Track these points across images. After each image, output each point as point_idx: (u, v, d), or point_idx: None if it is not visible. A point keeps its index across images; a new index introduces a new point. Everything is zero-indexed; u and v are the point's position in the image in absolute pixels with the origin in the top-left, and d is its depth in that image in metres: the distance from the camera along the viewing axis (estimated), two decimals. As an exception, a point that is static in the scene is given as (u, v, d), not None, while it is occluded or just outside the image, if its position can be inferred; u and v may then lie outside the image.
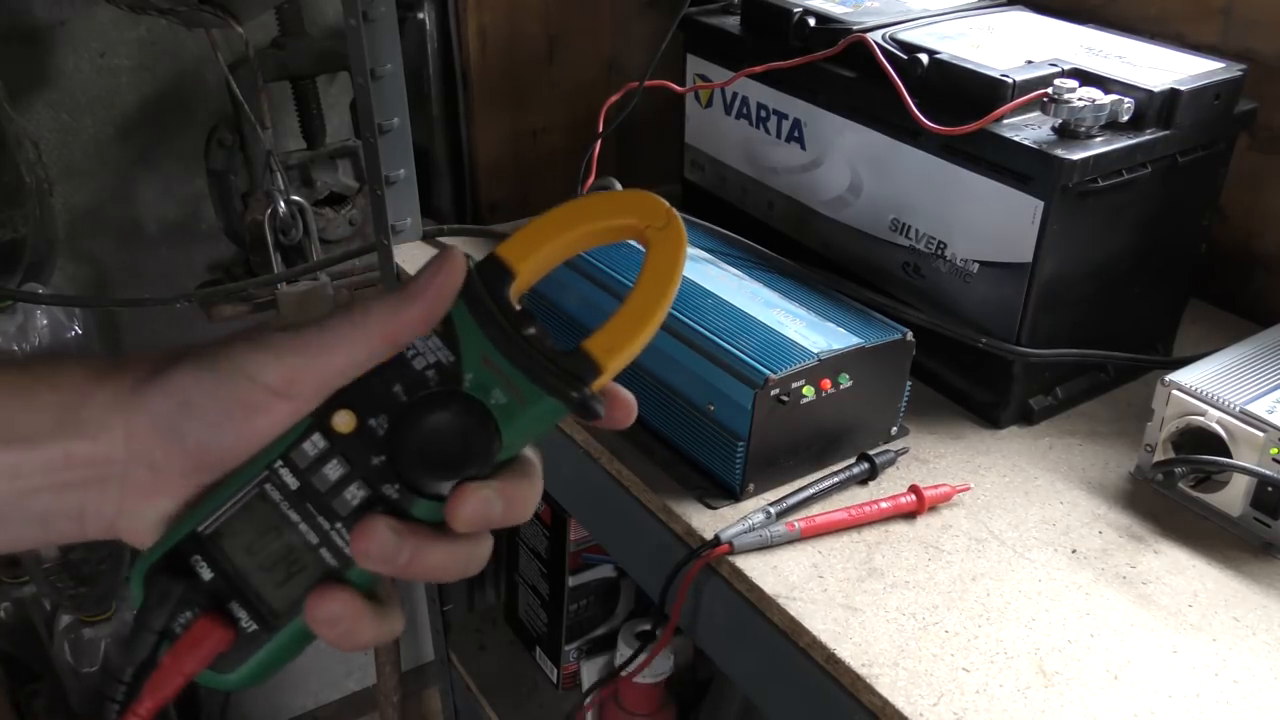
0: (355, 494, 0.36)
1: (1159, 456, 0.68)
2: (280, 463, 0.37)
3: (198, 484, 0.38)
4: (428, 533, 0.37)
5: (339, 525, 0.36)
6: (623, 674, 1.05)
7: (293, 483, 0.36)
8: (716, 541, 0.64)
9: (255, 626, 0.36)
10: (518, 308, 0.37)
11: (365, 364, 0.37)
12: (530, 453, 0.39)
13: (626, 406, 0.40)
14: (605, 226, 0.38)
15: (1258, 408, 0.64)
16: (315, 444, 0.37)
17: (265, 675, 0.37)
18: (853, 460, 0.71)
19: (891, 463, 0.71)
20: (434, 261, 0.37)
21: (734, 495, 0.68)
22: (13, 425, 0.37)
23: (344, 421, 0.37)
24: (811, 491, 0.68)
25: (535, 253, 0.37)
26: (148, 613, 0.36)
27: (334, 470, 0.36)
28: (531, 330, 0.37)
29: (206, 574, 0.36)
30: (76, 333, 1.16)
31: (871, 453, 0.71)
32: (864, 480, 0.70)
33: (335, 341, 0.37)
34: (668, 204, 0.38)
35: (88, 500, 0.38)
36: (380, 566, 0.36)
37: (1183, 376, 0.67)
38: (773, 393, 0.64)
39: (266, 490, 0.37)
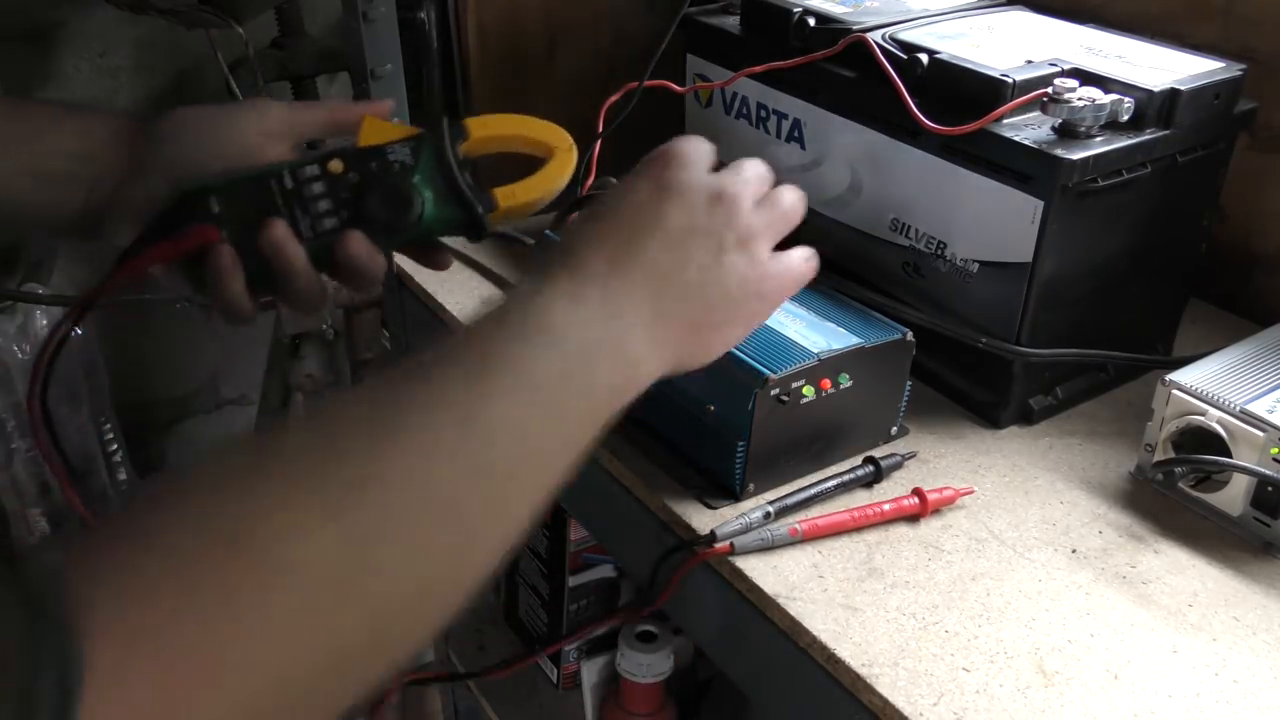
0: (322, 205, 0.56)
1: (1159, 456, 0.68)
2: (287, 172, 0.56)
3: (170, 184, 0.55)
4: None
5: (306, 219, 0.56)
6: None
7: (290, 185, 0.56)
8: (713, 537, 0.64)
9: (229, 248, 0.55)
10: (459, 158, 0.57)
11: (315, 129, 0.61)
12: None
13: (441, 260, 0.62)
14: (533, 137, 0.60)
15: (1258, 407, 0.64)
16: (312, 171, 0.56)
17: None
18: (858, 462, 0.71)
19: (898, 466, 0.71)
20: (359, 102, 0.62)
21: (734, 495, 0.68)
22: (42, 136, 0.57)
23: (335, 166, 0.56)
24: (813, 492, 0.68)
25: (487, 130, 0.59)
26: (175, 212, 0.54)
27: (317, 188, 0.56)
28: (464, 170, 0.58)
29: (215, 208, 0.55)
30: (76, 332, 1.16)
31: (878, 456, 0.71)
32: (868, 483, 0.70)
33: (302, 106, 0.61)
34: (571, 139, 0.60)
35: (86, 199, 0.56)
36: (349, 260, 0.56)
37: (1183, 376, 0.67)
38: (773, 392, 0.64)
39: (270, 183, 0.56)
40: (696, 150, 0.54)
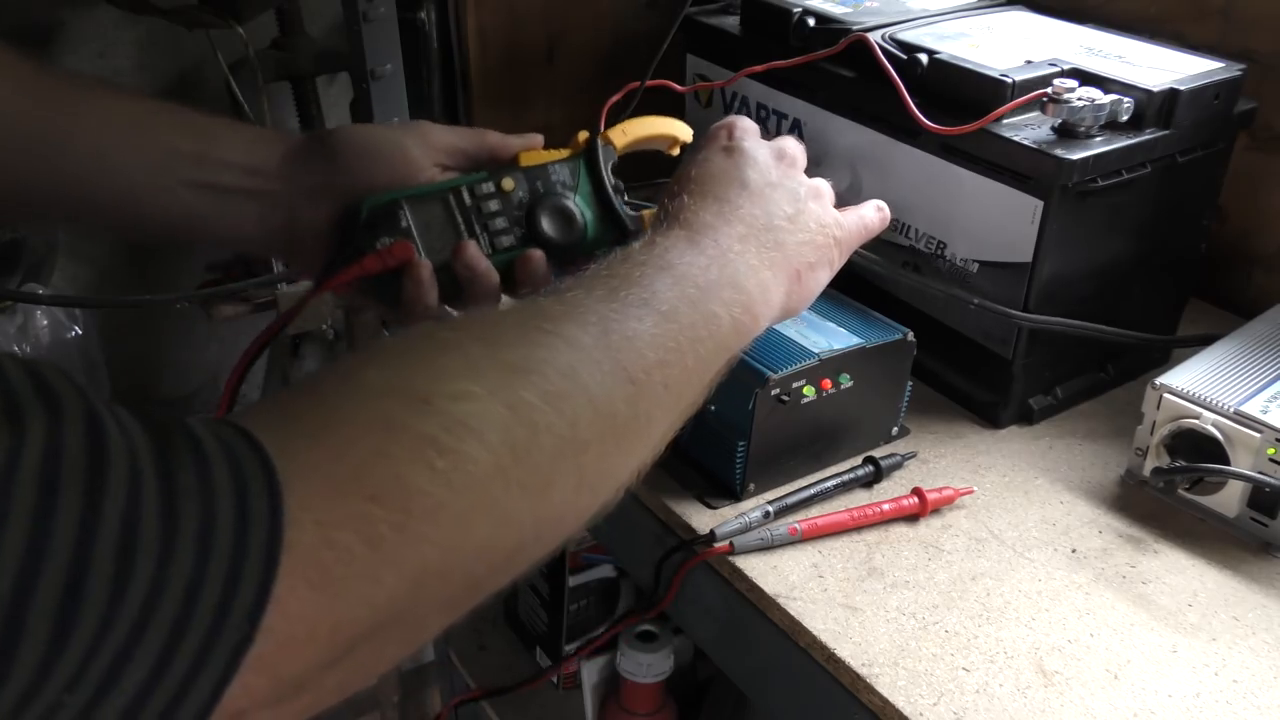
0: (499, 223, 0.59)
1: (1153, 460, 0.68)
2: (464, 188, 0.59)
3: (339, 206, 0.57)
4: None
5: (485, 234, 0.59)
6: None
7: (468, 200, 0.59)
8: (712, 536, 0.64)
9: (428, 263, 0.57)
10: (612, 178, 0.61)
11: (476, 154, 0.61)
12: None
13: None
14: (661, 134, 0.64)
15: (1251, 407, 0.64)
16: (488, 188, 0.59)
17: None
18: (858, 462, 0.71)
19: (898, 466, 0.71)
20: (515, 136, 0.62)
21: (734, 495, 0.68)
22: (213, 149, 0.56)
23: (508, 183, 0.59)
24: (813, 492, 0.68)
25: (624, 140, 0.62)
26: (370, 224, 0.56)
27: (493, 205, 0.59)
28: (619, 193, 0.61)
29: (404, 221, 0.57)
30: (76, 333, 1.16)
31: (878, 456, 0.71)
32: (868, 483, 0.70)
33: (465, 130, 0.61)
34: (690, 129, 0.65)
35: (261, 216, 0.57)
36: (530, 279, 0.59)
37: (1173, 379, 0.67)
38: (773, 392, 0.64)
39: (449, 198, 0.58)
40: (750, 123, 0.61)
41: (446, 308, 0.59)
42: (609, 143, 0.62)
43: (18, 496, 0.26)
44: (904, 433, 0.75)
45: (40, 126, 0.53)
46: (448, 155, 0.60)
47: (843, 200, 0.82)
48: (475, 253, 0.57)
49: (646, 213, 0.61)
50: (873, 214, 0.62)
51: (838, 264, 0.60)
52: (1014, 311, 0.72)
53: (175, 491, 0.29)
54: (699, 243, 0.52)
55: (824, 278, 0.59)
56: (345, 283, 0.55)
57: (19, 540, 0.26)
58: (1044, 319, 0.72)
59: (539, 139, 0.62)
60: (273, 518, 0.30)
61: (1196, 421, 0.65)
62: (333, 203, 0.57)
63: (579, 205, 0.60)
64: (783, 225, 0.56)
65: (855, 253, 0.62)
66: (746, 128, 0.61)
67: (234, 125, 0.59)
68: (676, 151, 0.64)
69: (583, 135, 0.62)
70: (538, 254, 0.59)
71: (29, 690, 0.26)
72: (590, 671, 1.15)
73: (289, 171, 0.57)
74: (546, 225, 0.59)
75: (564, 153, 0.61)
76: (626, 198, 0.62)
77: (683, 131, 0.64)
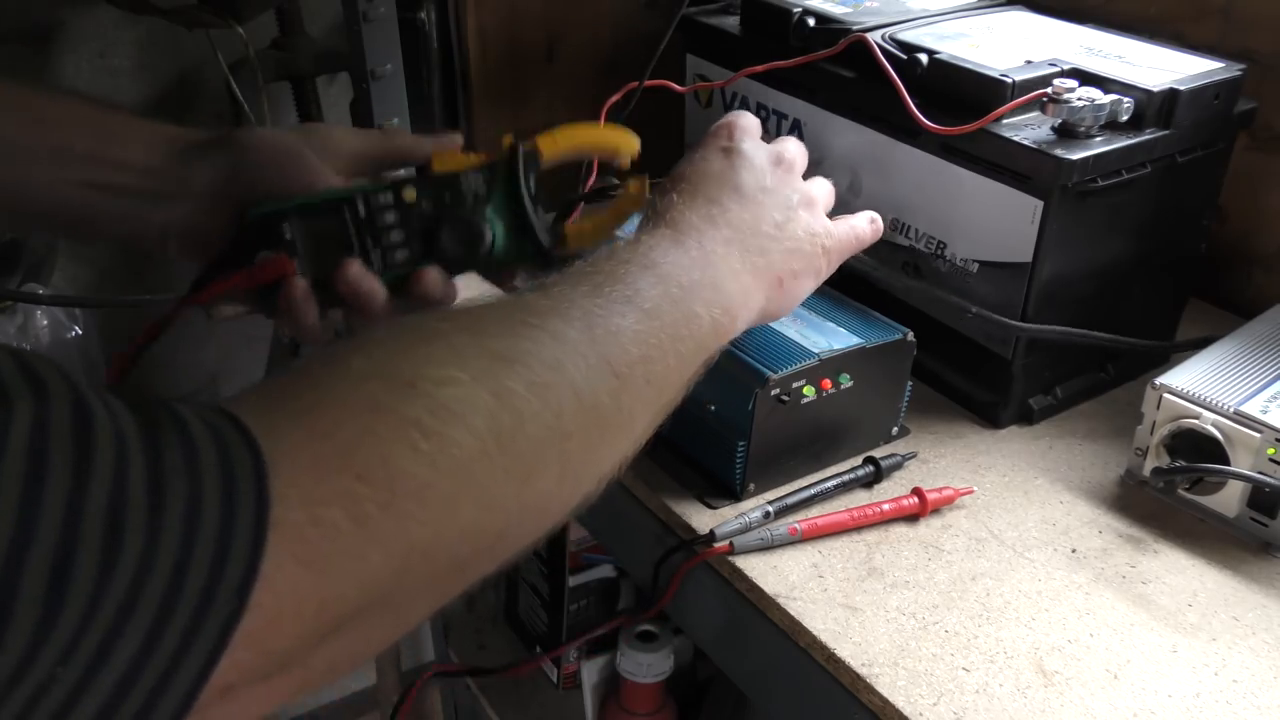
0: (394, 237, 0.55)
1: (1153, 460, 0.68)
2: (360, 199, 0.54)
3: (234, 208, 0.54)
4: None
5: (377, 250, 0.55)
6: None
7: (362, 213, 0.54)
8: (712, 536, 0.64)
9: (303, 281, 0.53)
10: (532, 189, 0.57)
11: (385, 160, 0.60)
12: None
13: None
14: (600, 144, 0.60)
15: (1251, 407, 0.64)
16: (386, 199, 0.55)
17: None
18: (858, 462, 0.71)
19: (898, 467, 0.71)
20: (430, 137, 0.60)
21: (734, 495, 0.68)
22: (110, 148, 0.54)
23: (409, 194, 0.55)
24: (813, 492, 0.68)
25: (555, 148, 0.58)
26: (249, 235, 0.53)
27: (390, 218, 0.55)
28: (538, 203, 0.57)
29: (287, 234, 0.53)
30: (76, 333, 1.16)
31: (878, 456, 0.71)
32: (868, 483, 0.70)
33: (374, 135, 0.60)
34: (636, 143, 0.60)
35: (161, 222, 0.55)
36: (425, 296, 0.56)
37: (1173, 379, 0.67)
38: (773, 392, 0.64)
39: (344, 210, 0.54)
40: (752, 122, 0.61)
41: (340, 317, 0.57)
42: (535, 149, 0.57)
43: (5, 475, 0.27)
44: (904, 433, 0.75)
45: None
46: (352, 162, 0.58)
47: (842, 201, 0.83)
48: (358, 272, 0.54)
49: (571, 227, 0.58)
50: (865, 225, 0.63)
51: (825, 273, 0.61)
52: (1011, 321, 0.72)
53: (162, 471, 0.29)
54: (684, 243, 0.53)
55: (809, 286, 0.60)
56: (214, 295, 0.53)
57: (7, 519, 0.26)
58: (1039, 328, 0.73)
59: (457, 140, 0.60)
60: (259, 496, 0.31)
61: (1196, 421, 0.65)
62: (233, 207, 0.55)
63: (489, 218, 0.56)
64: (770, 232, 0.56)
65: (855, 258, 0.63)
66: (747, 127, 0.60)
67: (133, 123, 0.57)
68: (627, 165, 0.61)
69: (506, 140, 0.58)
70: (431, 273, 0.56)
71: (21, 664, 0.27)
72: (590, 671, 1.15)
73: (186, 174, 0.55)
74: (447, 240, 0.55)
75: (480, 158, 0.57)
76: (551, 212, 0.58)
77: (625, 144, 0.60)
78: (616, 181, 0.61)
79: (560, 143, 0.58)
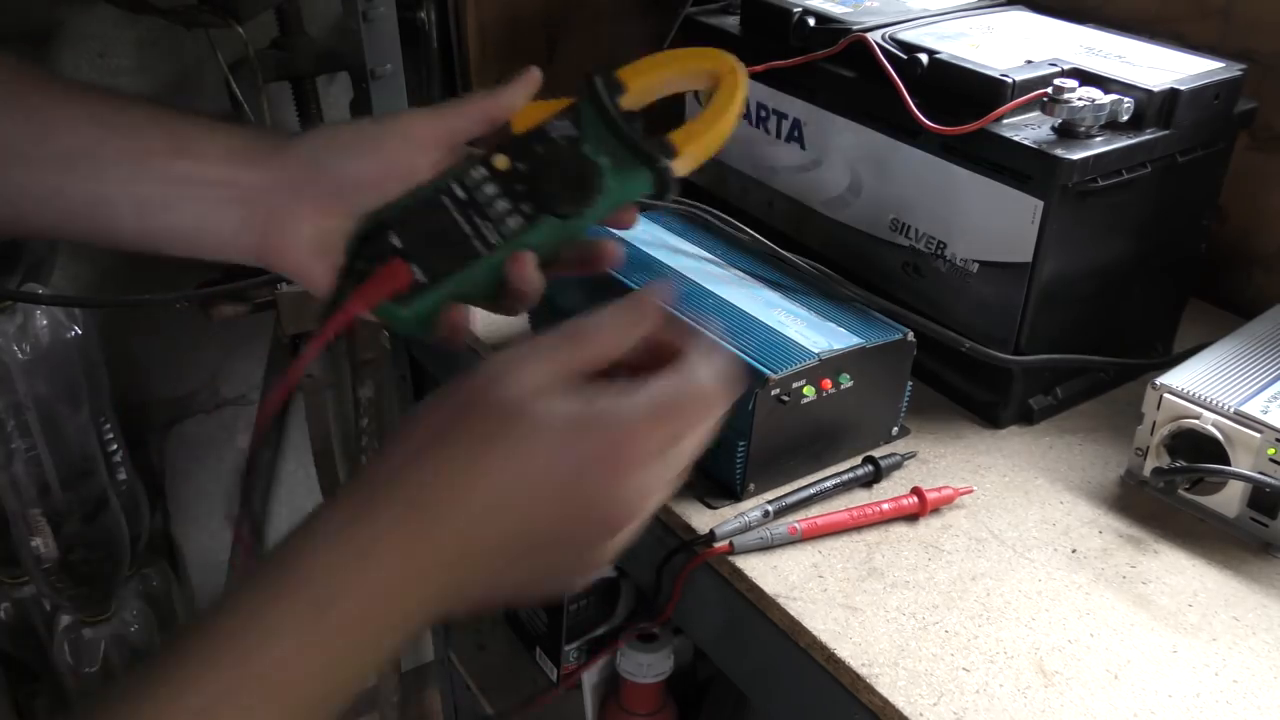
0: (502, 205, 0.51)
1: (1154, 460, 0.68)
2: (454, 182, 0.52)
3: (332, 209, 0.51)
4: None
5: (488, 224, 0.51)
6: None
7: (461, 195, 0.52)
8: (712, 536, 0.64)
9: (425, 280, 0.50)
10: (622, 112, 0.52)
11: (465, 131, 0.53)
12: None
13: (613, 253, 0.54)
14: (693, 67, 0.55)
15: (1251, 407, 0.64)
16: (480, 172, 0.52)
17: (425, 320, 0.51)
18: (857, 462, 0.71)
19: (898, 466, 0.71)
20: (506, 87, 0.54)
21: (734, 495, 0.68)
22: (189, 146, 0.51)
23: (500, 161, 0.52)
24: (813, 491, 0.68)
25: (642, 76, 0.53)
26: (356, 256, 0.50)
27: (490, 189, 0.51)
28: (634, 124, 0.52)
29: (396, 242, 0.51)
30: (76, 333, 1.16)
31: (877, 456, 0.71)
32: (868, 483, 0.70)
33: (449, 108, 0.53)
34: (734, 58, 0.54)
35: (243, 219, 0.51)
36: (514, 268, 0.50)
37: (1173, 379, 0.67)
38: (773, 392, 0.64)
39: (442, 199, 0.52)
40: (599, 342, 0.42)
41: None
42: (615, 77, 0.53)
43: None
44: (904, 433, 0.75)
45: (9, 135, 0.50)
46: (437, 145, 0.53)
47: (843, 201, 0.83)
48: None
49: (678, 134, 0.52)
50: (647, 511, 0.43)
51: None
52: (1004, 355, 0.73)
53: None
54: (361, 567, 0.38)
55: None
56: (346, 321, 0.49)
57: None
58: (1034, 359, 0.73)
59: (534, 76, 0.54)
60: None
61: (1196, 421, 0.65)
62: (314, 212, 0.51)
63: (589, 154, 0.52)
64: (504, 574, 0.41)
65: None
66: (562, 367, 0.41)
67: (213, 127, 0.52)
68: (718, 91, 0.54)
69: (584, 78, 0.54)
70: (526, 256, 0.51)
71: None
72: (590, 671, 1.15)
73: (264, 180, 0.51)
74: (556, 188, 0.51)
75: (559, 103, 0.54)
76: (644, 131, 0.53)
77: (719, 62, 0.54)
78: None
79: (643, 71, 0.54)
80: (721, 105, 0.53)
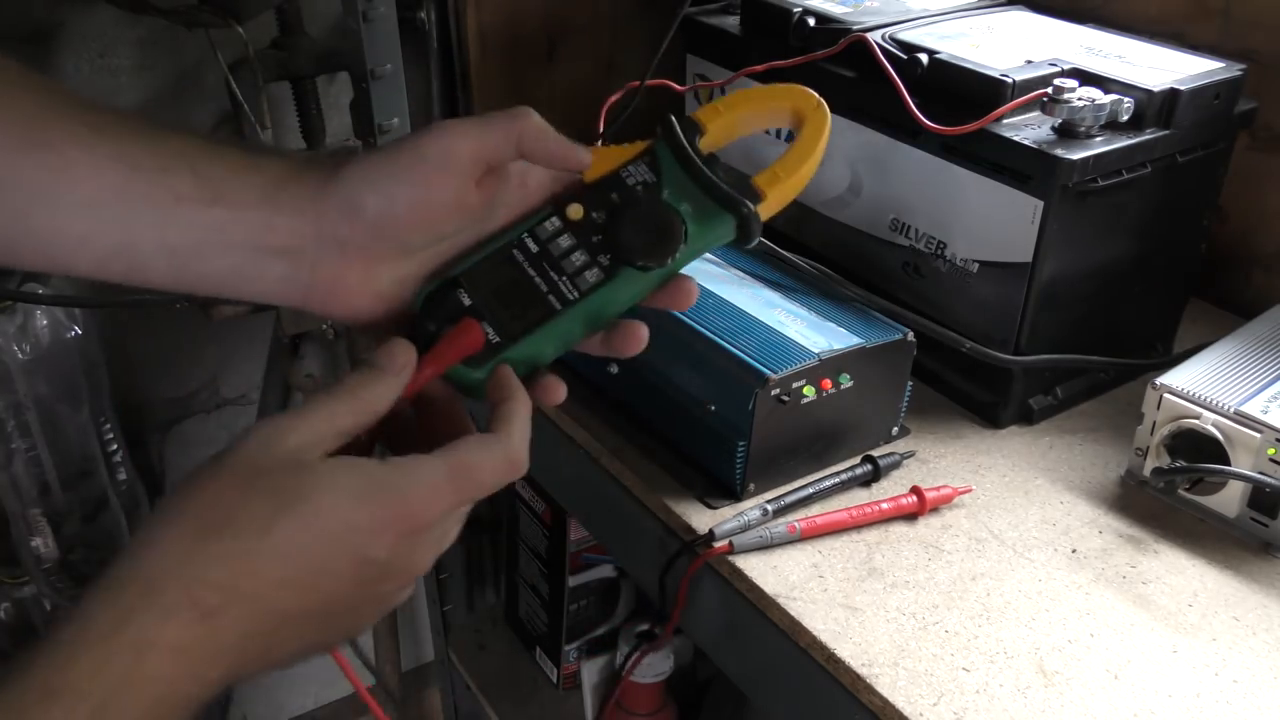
0: (579, 258, 0.48)
1: (1154, 460, 0.68)
2: (526, 235, 0.49)
3: (380, 255, 0.47)
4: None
5: (564, 279, 0.48)
6: (623, 674, 1.05)
7: (534, 248, 0.49)
8: (712, 536, 0.64)
9: (498, 339, 0.48)
10: (703, 156, 0.49)
11: (505, 149, 0.47)
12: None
13: (638, 336, 0.49)
14: (773, 106, 0.52)
15: (1251, 407, 0.64)
16: (553, 224, 0.49)
17: None
18: (856, 461, 0.71)
19: (896, 465, 0.71)
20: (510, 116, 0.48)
21: (734, 495, 0.68)
22: (222, 193, 0.46)
23: (575, 211, 0.49)
24: (812, 491, 0.68)
25: (721, 117, 0.51)
26: (425, 318, 0.48)
27: (565, 242, 0.49)
28: (715, 168, 0.49)
29: (467, 300, 0.48)
30: (76, 333, 1.16)
31: (876, 455, 0.71)
32: (867, 482, 0.70)
33: (486, 127, 0.46)
34: (817, 95, 0.52)
35: (285, 268, 0.47)
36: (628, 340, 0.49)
37: (1173, 379, 0.67)
38: (773, 393, 0.64)
39: (513, 253, 0.49)
40: (362, 399, 0.43)
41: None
42: (693, 119, 0.50)
43: None
44: (904, 433, 0.75)
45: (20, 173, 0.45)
46: (478, 167, 0.47)
47: (842, 201, 0.83)
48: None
49: (761, 177, 0.49)
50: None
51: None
52: (1004, 355, 0.73)
53: None
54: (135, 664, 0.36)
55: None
56: (420, 387, 0.46)
57: None
58: (1034, 359, 0.73)
59: (587, 156, 0.49)
60: None
61: (1196, 421, 0.65)
62: (361, 261, 0.47)
63: (670, 201, 0.49)
64: (286, 650, 0.41)
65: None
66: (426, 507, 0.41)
67: (247, 161, 0.47)
68: (802, 130, 0.51)
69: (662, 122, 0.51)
70: (637, 325, 0.49)
71: None
72: (590, 671, 1.15)
73: (303, 219, 0.47)
74: (636, 237, 0.48)
75: (635, 147, 0.50)
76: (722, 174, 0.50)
77: (802, 100, 0.51)
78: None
79: (721, 112, 0.51)
80: (808, 145, 0.51)
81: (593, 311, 0.48)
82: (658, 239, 0.48)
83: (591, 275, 0.48)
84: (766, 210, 0.49)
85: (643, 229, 0.48)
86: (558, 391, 0.49)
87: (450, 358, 0.47)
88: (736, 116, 0.51)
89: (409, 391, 0.45)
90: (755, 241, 0.49)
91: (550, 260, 0.49)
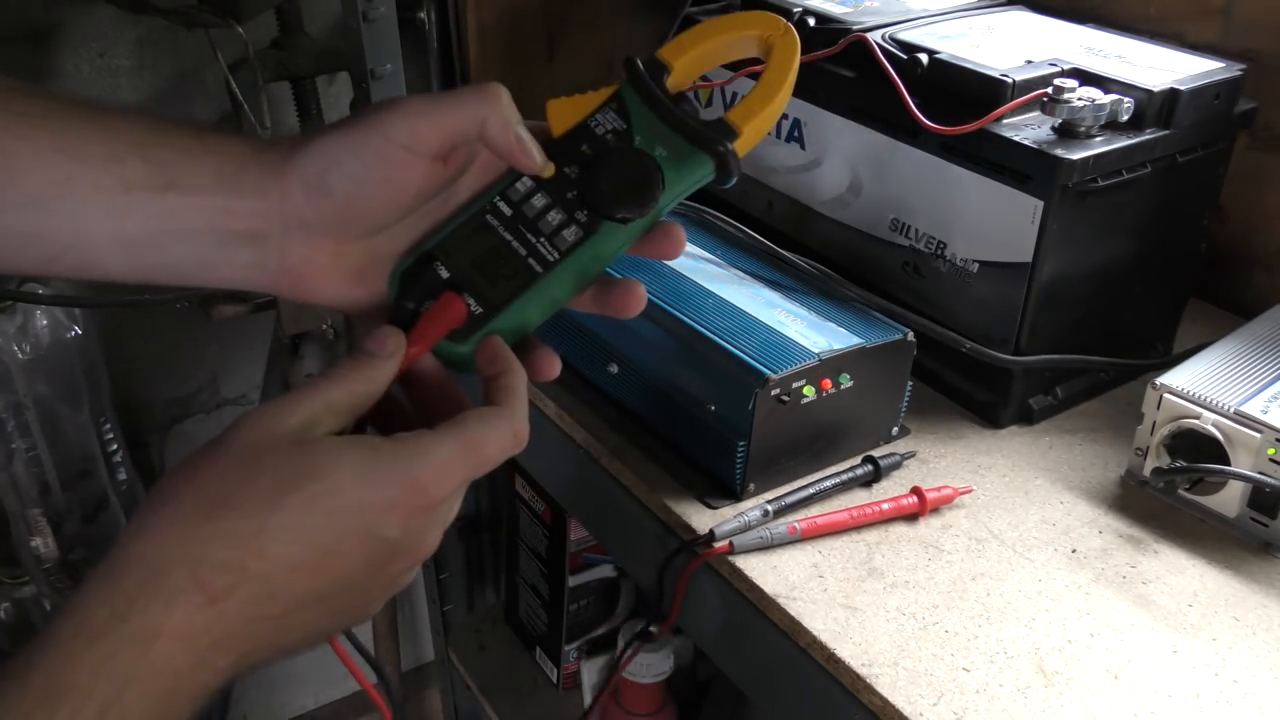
0: (555, 217, 0.47)
1: (1154, 460, 0.68)
2: (499, 199, 0.47)
3: (346, 238, 0.45)
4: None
5: (542, 240, 0.47)
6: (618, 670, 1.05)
7: (508, 211, 0.47)
8: (712, 536, 0.64)
9: (480, 310, 0.46)
10: (672, 96, 0.47)
11: (470, 130, 0.45)
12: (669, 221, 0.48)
13: (637, 294, 0.48)
14: (739, 36, 0.49)
15: (1251, 407, 0.64)
16: (525, 184, 0.47)
17: None
18: (856, 461, 0.71)
19: (897, 466, 0.71)
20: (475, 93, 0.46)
21: (734, 495, 0.68)
22: (176, 179, 0.43)
23: (545, 170, 0.47)
24: (812, 491, 0.68)
25: (686, 53, 0.48)
26: (403, 296, 0.46)
27: (539, 202, 0.47)
28: (685, 106, 0.47)
29: (444, 273, 0.46)
30: (76, 333, 1.16)
31: (877, 455, 0.71)
32: (867, 482, 0.70)
33: (451, 108, 0.45)
34: (785, 20, 0.49)
35: (250, 254, 0.45)
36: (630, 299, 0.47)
37: (1173, 379, 0.67)
38: (773, 392, 0.64)
39: (487, 219, 0.47)
40: (357, 379, 0.42)
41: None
42: (656, 59, 0.48)
43: None
44: (904, 433, 0.75)
45: None
46: (443, 148, 0.45)
47: (842, 201, 0.83)
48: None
49: (734, 113, 0.47)
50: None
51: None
52: (1004, 355, 0.73)
53: None
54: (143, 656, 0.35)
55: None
56: (408, 367, 0.45)
57: None
58: (1034, 359, 0.73)
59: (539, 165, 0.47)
60: None
61: (1196, 421, 0.65)
62: (329, 242, 0.45)
63: (643, 146, 0.47)
64: (294, 637, 0.39)
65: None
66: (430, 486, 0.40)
67: (203, 144, 0.45)
68: (771, 58, 0.49)
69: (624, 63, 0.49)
70: (629, 284, 0.48)
71: None
72: (590, 671, 1.15)
73: (266, 204, 0.44)
74: (613, 187, 0.46)
75: (599, 94, 0.49)
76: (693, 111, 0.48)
77: (767, 24, 0.49)
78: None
79: (686, 46, 0.48)
80: (779, 73, 0.48)
81: (576, 271, 0.46)
82: (635, 188, 0.46)
83: (570, 234, 0.47)
84: (743, 145, 0.47)
85: (618, 179, 0.46)
86: (552, 365, 0.47)
87: (433, 335, 0.46)
88: (702, 50, 0.49)
89: (398, 375, 0.44)
90: (735, 179, 0.47)
91: (526, 222, 0.47)
